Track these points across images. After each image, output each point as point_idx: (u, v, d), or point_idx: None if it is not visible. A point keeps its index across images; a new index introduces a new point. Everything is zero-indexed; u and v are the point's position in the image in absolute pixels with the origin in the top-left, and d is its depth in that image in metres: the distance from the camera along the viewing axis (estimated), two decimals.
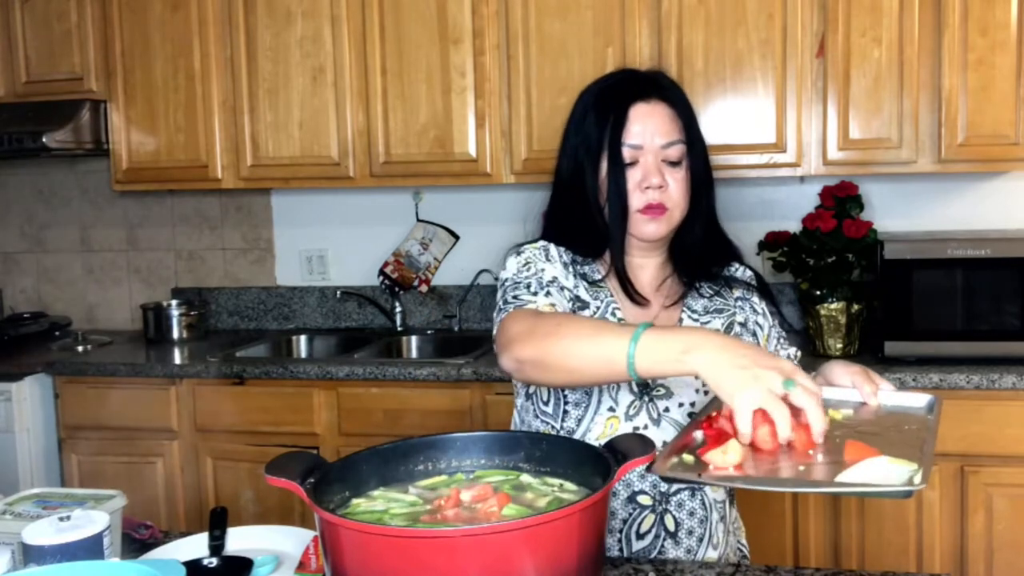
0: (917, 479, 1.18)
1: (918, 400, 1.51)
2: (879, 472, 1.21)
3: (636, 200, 1.71)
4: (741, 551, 1.87)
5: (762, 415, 1.28)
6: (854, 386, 1.53)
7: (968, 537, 2.95)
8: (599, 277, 1.79)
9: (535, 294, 1.69)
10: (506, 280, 1.74)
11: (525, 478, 1.40)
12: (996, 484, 2.92)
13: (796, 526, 3.04)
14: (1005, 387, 2.87)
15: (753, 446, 1.29)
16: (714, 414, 1.41)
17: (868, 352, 3.21)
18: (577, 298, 1.75)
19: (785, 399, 1.28)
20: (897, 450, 1.28)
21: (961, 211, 3.49)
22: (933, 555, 2.97)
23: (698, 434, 1.38)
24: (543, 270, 1.74)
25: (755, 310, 1.85)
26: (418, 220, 3.95)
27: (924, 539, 2.97)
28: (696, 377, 1.35)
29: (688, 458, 1.31)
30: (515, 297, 1.69)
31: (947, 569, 2.95)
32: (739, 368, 1.29)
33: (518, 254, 1.78)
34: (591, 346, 1.44)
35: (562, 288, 1.73)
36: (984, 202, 3.48)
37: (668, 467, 1.28)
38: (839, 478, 1.21)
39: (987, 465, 2.92)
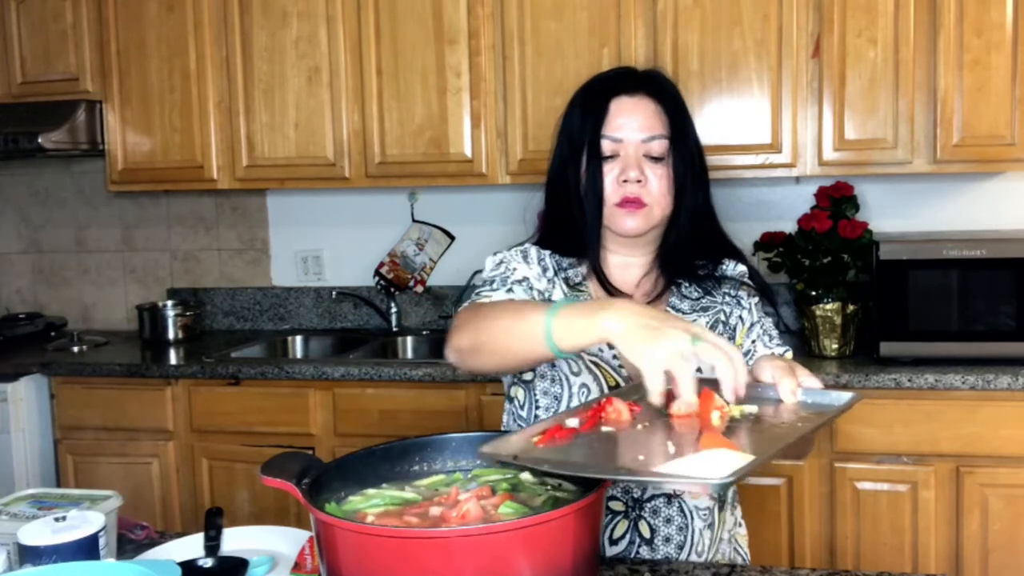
0: (728, 470, 1.11)
1: (838, 398, 1.42)
2: (711, 463, 1.15)
3: (614, 193, 1.70)
4: (742, 558, 1.84)
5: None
6: (774, 382, 1.44)
7: (963, 537, 2.95)
8: (580, 279, 1.79)
9: (495, 290, 1.70)
10: (480, 281, 1.77)
11: (524, 476, 1.40)
12: (991, 485, 2.92)
13: (792, 526, 3.04)
14: (1000, 388, 2.88)
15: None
16: (602, 402, 1.41)
17: (864, 353, 3.22)
18: (551, 301, 1.74)
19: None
20: (757, 444, 1.23)
21: (957, 212, 3.50)
22: (929, 555, 2.97)
23: (573, 421, 1.36)
24: (515, 269, 1.75)
25: (741, 304, 1.82)
26: (414, 221, 3.95)
27: (919, 539, 2.97)
28: (610, 346, 1.31)
29: (531, 442, 1.29)
30: (476, 294, 1.70)
31: (942, 569, 2.95)
32: (647, 329, 1.27)
33: (495, 254, 1.81)
34: (515, 324, 1.42)
35: (531, 288, 1.73)
36: (979, 203, 3.49)
37: (499, 449, 1.26)
38: (664, 467, 1.17)
39: (983, 466, 2.93)
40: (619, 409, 1.38)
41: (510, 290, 1.70)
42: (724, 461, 1.15)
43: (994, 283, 3.05)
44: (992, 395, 2.90)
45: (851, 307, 3.21)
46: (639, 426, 1.35)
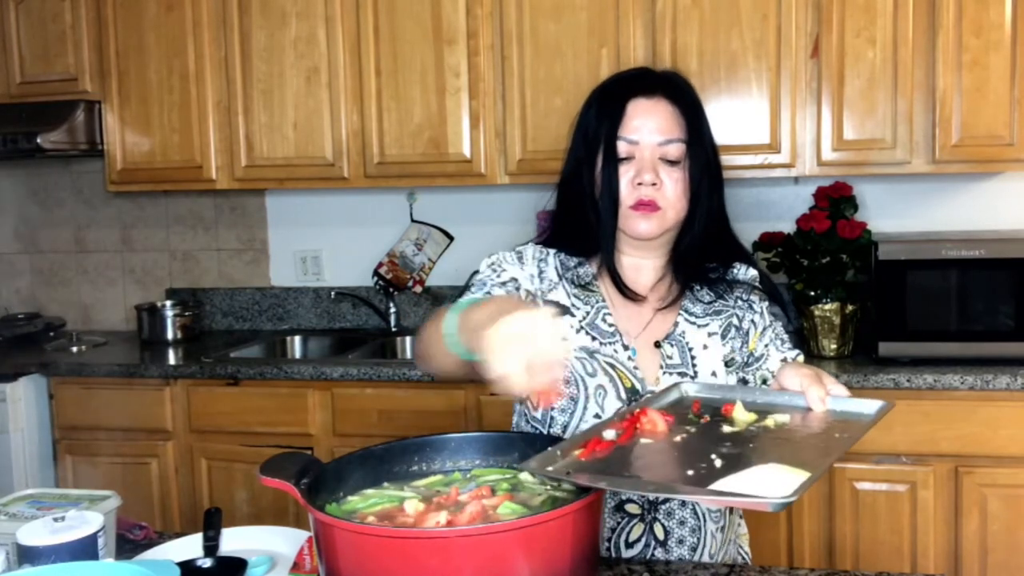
0: (790, 490, 1.11)
1: (868, 407, 1.42)
2: (764, 479, 1.15)
3: (628, 196, 1.69)
4: (743, 558, 1.85)
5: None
6: (802, 390, 1.45)
7: (962, 538, 2.95)
8: (591, 279, 1.79)
9: (474, 294, 1.69)
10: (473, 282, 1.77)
11: (524, 476, 1.40)
12: (990, 485, 2.93)
13: (791, 526, 3.04)
14: (999, 388, 2.88)
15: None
16: (636, 412, 1.41)
17: (862, 353, 3.22)
18: (552, 302, 1.74)
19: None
20: (803, 457, 1.22)
21: (955, 212, 3.50)
22: (927, 555, 2.97)
23: (610, 433, 1.36)
24: (504, 271, 1.75)
25: (753, 309, 1.82)
26: (412, 221, 3.94)
27: (918, 539, 2.97)
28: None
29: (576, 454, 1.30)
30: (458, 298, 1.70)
31: (941, 570, 2.95)
32: (496, 321, 1.22)
33: (490, 256, 1.80)
34: (434, 327, 1.41)
35: (519, 288, 1.72)
36: (978, 203, 3.49)
37: (545, 464, 1.26)
38: (718, 484, 1.16)
39: (981, 466, 2.93)
40: (654, 420, 1.38)
41: (488, 293, 1.68)
42: (779, 478, 1.15)
43: (993, 283, 3.05)
44: (991, 395, 2.90)
45: (850, 307, 3.21)
46: (676, 437, 1.36)
